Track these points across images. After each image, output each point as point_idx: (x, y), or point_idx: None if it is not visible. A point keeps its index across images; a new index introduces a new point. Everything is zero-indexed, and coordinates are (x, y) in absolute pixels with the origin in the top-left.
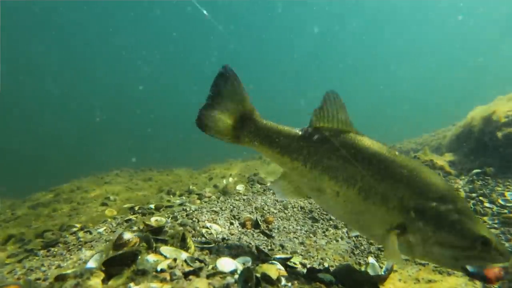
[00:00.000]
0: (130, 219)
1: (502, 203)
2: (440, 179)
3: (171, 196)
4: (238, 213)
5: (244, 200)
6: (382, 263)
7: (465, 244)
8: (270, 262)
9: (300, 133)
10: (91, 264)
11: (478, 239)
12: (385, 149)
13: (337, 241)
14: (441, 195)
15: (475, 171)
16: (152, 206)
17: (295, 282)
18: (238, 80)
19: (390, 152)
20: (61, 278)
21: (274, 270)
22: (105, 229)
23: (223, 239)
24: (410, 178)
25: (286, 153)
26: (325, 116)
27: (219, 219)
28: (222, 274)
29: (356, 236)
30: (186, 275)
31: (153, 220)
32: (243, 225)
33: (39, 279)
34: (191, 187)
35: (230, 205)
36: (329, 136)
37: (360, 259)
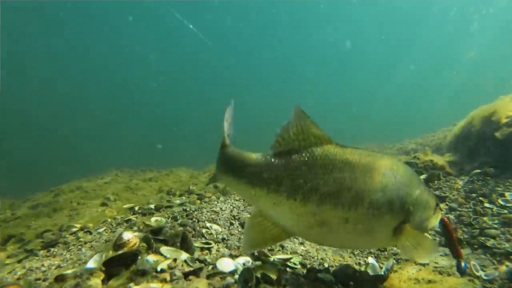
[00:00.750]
0: (130, 219)
1: (502, 203)
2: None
3: (171, 196)
4: (238, 213)
5: (244, 200)
6: (382, 263)
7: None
8: (270, 262)
9: (272, 158)
10: (91, 264)
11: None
12: (375, 155)
13: None
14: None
15: (475, 171)
16: (152, 206)
17: (295, 282)
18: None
19: (380, 158)
20: (61, 278)
21: (274, 270)
22: (105, 229)
23: (223, 239)
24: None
25: (257, 183)
26: (297, 133)
27: (219, 219)
28: (222, 275)
29: None
30: (186, 275)
31: (153, 220)
32: (243, 225)
33: (39, 279)
34: (191, 187)
35: (230, 205)
36: (316, 155)
37: (360, 259)
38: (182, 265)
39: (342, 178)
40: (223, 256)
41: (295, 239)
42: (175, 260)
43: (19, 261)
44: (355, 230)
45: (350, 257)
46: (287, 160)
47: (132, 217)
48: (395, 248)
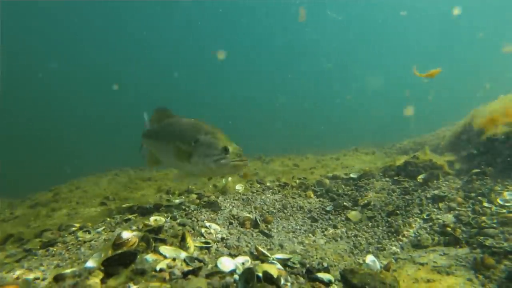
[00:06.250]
0: (129, 219)
1: (501, 202)
2: (209, 126)
3: (170, 196)
4: (237, 212)
5: (243, 199)
6: (381, 262)
7: (216, 152)
8: (270, 262)
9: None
10: (90, 263)
11: (222, 148)
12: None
13: (336, 240)
14: (206, 131)
15: (474, 171)
16: (151, 205)
17: (295, 282)
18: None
19: (184, 119)
20: (60, 278)
21: (274, 270)
22: (104, 229)
23: (222, 238)
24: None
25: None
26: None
27: (218, 218)
28: (222, 274)
29: (355, 236)
30: (185, 274)
31: (152, 220)
32: (242, 224)
33: (38, 278)
34: (190, 186)
35: (229, 204)
36: (167, 121)
37: (359, 258)
38: (181, 265)
39: (173, 129)
40: (222, 255)
41: (294, 239)
42: (174, 259)
43: (18, 261)
44: (171, 153)
45: (349, 256)
46: (159, 127)
47: (131, 217)
48: (394, 248)
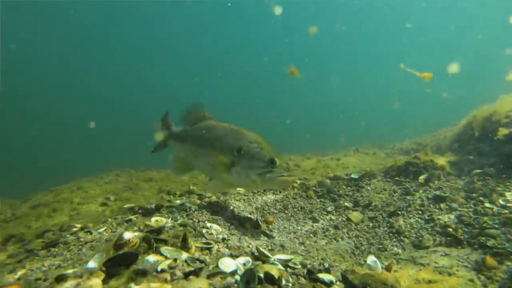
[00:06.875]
0: (130, 219)
1: (503, 203)
2: (252, 133)
3: (172, 196)
4: (238, 213)
5: (244, 200)
6: (382, 263)
7: (262, 164)
8: (271, 262)
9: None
10: (92, 264)
11: (269, 160)
12: (230, 126)
13: (337, 241)
14: (250, 140)
15: (475, 171)
16: (153, 206)
17: (296, 282)
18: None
19: (224, 124)
20: (61, 278)
21: (275, 270)
22: (105, 229)
23: (224, 239)
24: (235, 133)
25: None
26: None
27: (220, 219)
28: (223, 275)
29: (357, 236)
30: (186, 275)
31: (154, 220)
32: (243, 225)
33: (39, 279)
34: (191, 187)
35: (231, 205)
36: (201, 124)
37: (360, 259)
38: (183, 265)
39: (211, 134)
40: (223, 256)
41: (295, 239)
42: (175, 260)
43: (20, 261)
44: (208, 160)
45: (350, 257)
46: (191, 129)
47: (133, 217)
48: (395, 248)
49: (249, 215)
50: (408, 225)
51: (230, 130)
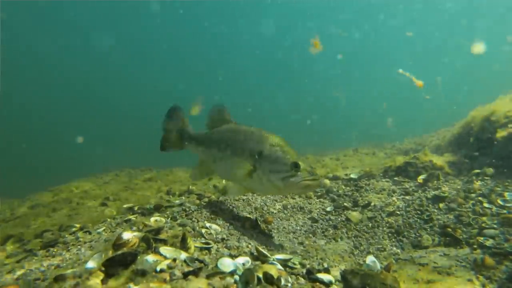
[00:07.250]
0: (129, 219)
1: (501, 203)
2: (273, 135)
3: (171, 196)
4: (237, 213)
5: (243, 200)
6: (381, 263)
7: (284, 168)
8: (270, 262)
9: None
10: (91, 264)
11: (292, 164)
12: (251, 128)
13: (336, 241)
14: (271, 143)
15: (474, 171)
16: (152, 206)
17: (295, 282)
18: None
19: (244, 127)
20: (60, 278)
21: (274, 270)
22: (104, 229)
23: (223, 239)
24: (255, 136)
25: (202, 145)
26: (215, 119)
27: (219, 219)
28: (222, 274)
29: (356, 236)
30: (185, 275)
31: (153, 220)
32: (242, 225)
33: (38, 279)
34: (190, 187)
35: (230, 205)
36: (223, 127)
37: (359, 259)
38: (182, 265)
39: (231, 137)
40: (222, 256)
41: (294, 239)
42: (174, 260)
43: (18, 261)
44: (232, 164)
45: (349, 257)
46: (213, 133)
47: (132, 217)
48: (394, 248)
49: (248, 215)
50: (407, 225)
51: (250, 133)
